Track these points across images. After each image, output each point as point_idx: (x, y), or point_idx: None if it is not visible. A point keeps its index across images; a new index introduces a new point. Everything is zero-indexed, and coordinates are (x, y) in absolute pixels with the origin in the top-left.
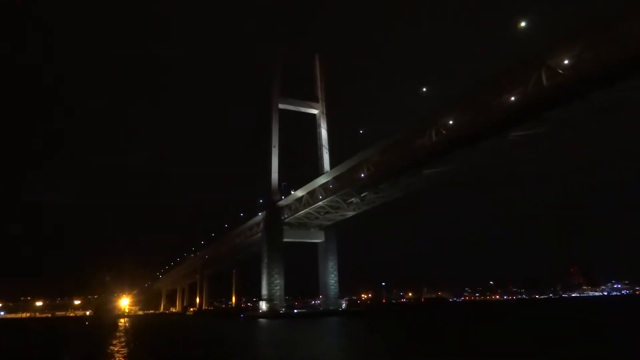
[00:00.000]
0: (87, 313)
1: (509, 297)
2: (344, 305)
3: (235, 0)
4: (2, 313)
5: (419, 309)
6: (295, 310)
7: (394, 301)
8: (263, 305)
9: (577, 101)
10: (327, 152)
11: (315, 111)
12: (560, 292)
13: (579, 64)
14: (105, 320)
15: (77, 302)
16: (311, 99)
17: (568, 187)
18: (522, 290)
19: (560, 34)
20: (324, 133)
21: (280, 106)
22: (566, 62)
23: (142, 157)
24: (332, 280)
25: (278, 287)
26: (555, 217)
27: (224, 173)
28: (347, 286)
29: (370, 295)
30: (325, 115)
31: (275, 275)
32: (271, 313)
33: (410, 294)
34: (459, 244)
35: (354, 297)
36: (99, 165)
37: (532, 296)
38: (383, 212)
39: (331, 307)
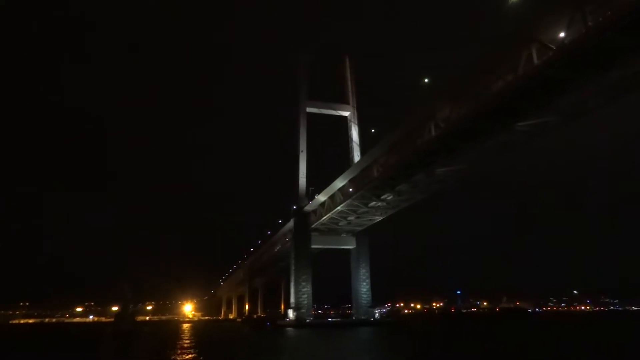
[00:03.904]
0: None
1: (599, 308)
2: (377, 314)
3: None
4: (91, 317)
5: (488, 320)
6: (330, 319)
7: (464, 311)
8: (290, 314)
9: (579, 80)
10: (359, 155)
11: (345, 113)
12: None
13: (569, 34)
14: (124, 326)
15: (149, 308)
16: (339, 101)
17: None
18: (616, 301)
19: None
20: (355, 136)
21: (308, 110)
22: (562, 34)
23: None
24: (363, 288)
25: (306, 296)
26: None
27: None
28: (415, 294)
29: (441, 304)
30: (356, 118)
31: (303, 283)
32: (297, 322)
33: (485, 303)
34: (543, 249)
35: (426, 306)
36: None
37: (627, 307)
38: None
39: (362, 317)
